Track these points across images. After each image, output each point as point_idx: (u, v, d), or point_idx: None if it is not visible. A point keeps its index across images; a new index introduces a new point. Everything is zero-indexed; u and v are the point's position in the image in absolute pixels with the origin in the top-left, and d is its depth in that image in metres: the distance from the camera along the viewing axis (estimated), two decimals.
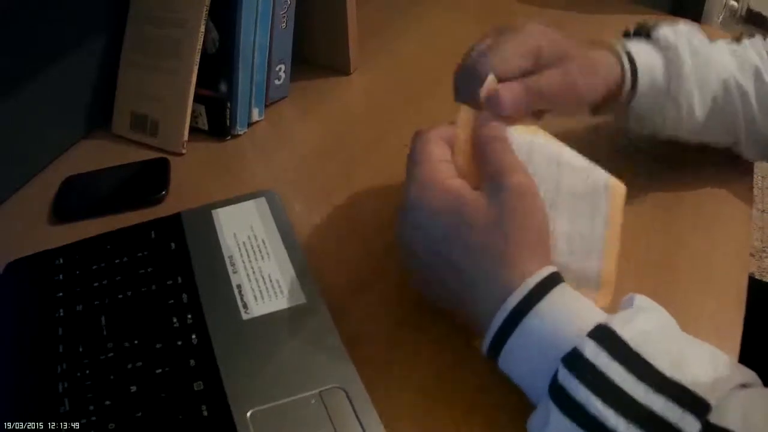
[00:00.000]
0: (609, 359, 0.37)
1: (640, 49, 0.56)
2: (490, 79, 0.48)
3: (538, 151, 0.47)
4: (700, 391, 0.35)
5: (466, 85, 0.49)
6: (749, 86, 0.57)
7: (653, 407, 0.35)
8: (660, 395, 0.35)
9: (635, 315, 0.39)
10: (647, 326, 0.38)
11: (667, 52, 0.56)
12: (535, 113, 0.52)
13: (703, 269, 0.56)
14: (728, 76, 0.57)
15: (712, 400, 0.35)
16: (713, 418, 0.35)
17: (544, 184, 0.46)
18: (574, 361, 0.37)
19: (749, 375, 0.38)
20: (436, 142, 0.47)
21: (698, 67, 0.56)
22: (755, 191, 0.63)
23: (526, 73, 0.49)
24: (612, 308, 0.42)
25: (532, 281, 0.41)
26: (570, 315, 0.40)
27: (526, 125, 0.49)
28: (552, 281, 0.41)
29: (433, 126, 0.48)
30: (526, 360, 0.41)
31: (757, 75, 0.57)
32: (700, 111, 0.57)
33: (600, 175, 0.48)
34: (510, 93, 0.48)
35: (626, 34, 0.60)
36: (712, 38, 0.60)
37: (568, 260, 0.47)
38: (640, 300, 0.41)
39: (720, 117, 0.58)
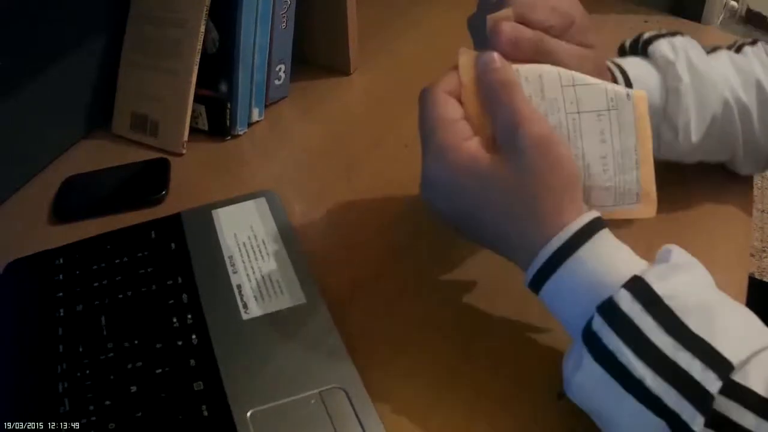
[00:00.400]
0: (642, 312, 0.38)
1: (635, 66, 0.55)
2: (506, 10, 0.46)
3: (548, 78, 0.46)
4: (725, 350, 0.36)
5: (481, 15, 0.48)
6: (752, 101, 0.55)
7: (679, 362, 0.36)
8: (686, 351, 0.36)
9: (671, 271, 0.40)
10: (681, 283, 0.39)
11: (665, 70, 0.54)
12: None
13: None
14: (729, 94, 0.55)
15: (735, 360, 0.36)
16: (736, 377, 0.36)
17: (564, 108, 0.46)
18: (609, 310, 0.38)
19: None
20: (444, 100, 0.45)
21: (697, 85, 0.54)
22: (755, 191, 0.63)
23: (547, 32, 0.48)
24: (648, 251, 0.43)
25: (572, 228, 0.41)
26: (609, 263, 0.41)
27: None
28: (593, 228, 0.42)
29: (437, 80, 0.46)
30: (565, 301, 0.42)
31: (760, 88, 0.55)
32: (696, 134, 0.55)
33: (619, 87, 0.47)
34: (513, 30, 0.46)
35: (622, 48, 0.59)
36: (712, 40, 0.59)
37: (604, 180, 0.47)
38: (678, 255, 0.42)
39: (718, 137, 0.56)
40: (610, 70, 0.54)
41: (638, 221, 0.59)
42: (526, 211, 0.42)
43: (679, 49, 0.55)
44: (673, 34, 0.57)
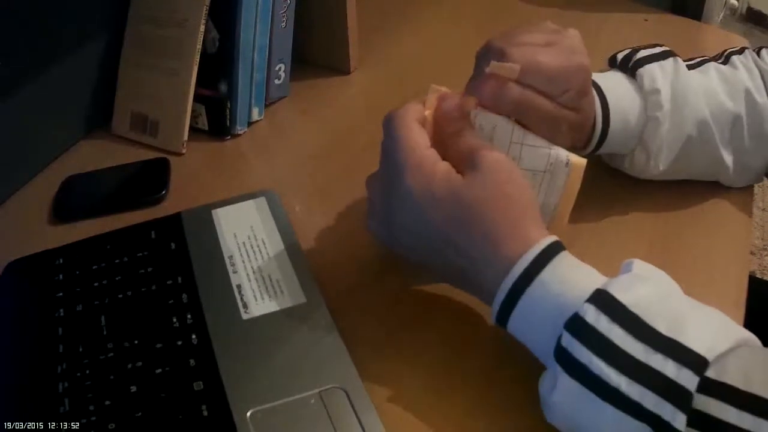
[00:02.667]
0: (609, 322, 0.38)
1: (614, 86, 0.55)
2: (512, 65, 0.47)
3: (501, 130, 0.48)
4: (699, 348, 0.37)
5: (484, 58, 0.49)
6: (740, 108, 0.56)
7: (652, 364, 0.37)
8: (658, 353, 0.37)
9: (633, 280, 0.40)
10: (644, 290, 0.40)
11: (648, 98, 0.55)
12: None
13: (703, 268, 0.56)
14: (707, 112, 0.55)
15: (710, 356, 0.36)
16: (713, 373, 0.36)
17: None
18: (576, 325, 0.39)
19: (749, 336, 0.39)
20: (418, 128, 0.47)
21: (675, 112, 0.55)
22: (755, 189, 0.63)
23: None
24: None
25: (533, 252, 0.42)
26: (571, 281, 0.42)
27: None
28: (553, 249, 0.43)
29: (403, 108, 0.48)
30: (533, 326, 0.43)
31: (748, 95, 0.56)
32: (664, 163, 0.56)
33: (562, 152, 0.49)
34: (498, 89, 0.48)
35: (613, 59, 0.59)
36: (712, 38, 0.60)
37: None
38: (639, 266, 0.42)
39: (690, 162, 0.57)
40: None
41: (640, 223, 0.60)
42: (491, 229, 0.43)
43: (668, 74, 0.55)
44: (665, 56, 0.57)
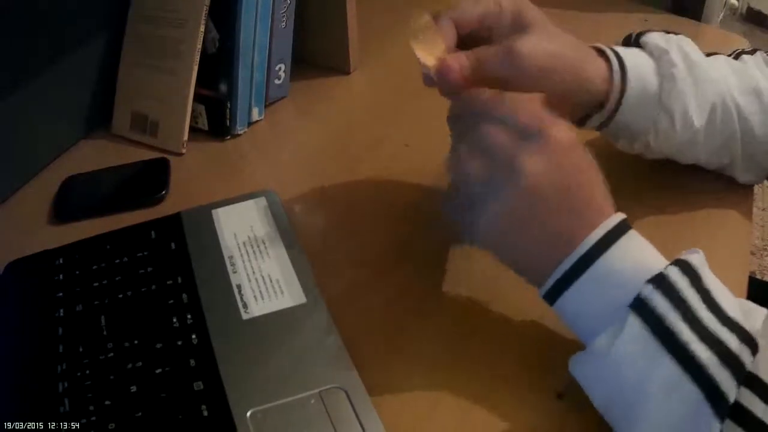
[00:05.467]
0: (689, 286, 0.40)
1: (630, 54, 0.54)
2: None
3: None
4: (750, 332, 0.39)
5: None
6: (751, 107, 0.55)
7: (719, 334, 0.39)
8: (724, 327, 0.39)
9: (705, 261, 0.43)
10: (712, 274, 0.43)
11: (659, 57, 0.54)
12: None
13: None
14: (726, 91, 0.55)
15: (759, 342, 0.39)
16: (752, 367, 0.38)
17: None
18: (660, 280, 0.40)
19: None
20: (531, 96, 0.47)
21: (694, 72, 0.54)
22: (755, 189, 0.63)
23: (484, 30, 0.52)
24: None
25: (611, 221, 0.43)
26: (647, 252, 0.44)
27: None
28: (623, 226, 0.44)
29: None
30: (601, 293, 0.42)
31: (760, 96, 0.55)
32: (698, 119, 0.54)
33: None
34: (457, 61, 0.50)
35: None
36: (712, 39, 0.60)
37: None
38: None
39: (718, 131, 0.56)
40: (605, 55, 0.54)
41: (639, 223, 0.60)
42: (592, 188, 0.44)
43: (672, 41, 0.55)
44: (667, 32, 0.57)
